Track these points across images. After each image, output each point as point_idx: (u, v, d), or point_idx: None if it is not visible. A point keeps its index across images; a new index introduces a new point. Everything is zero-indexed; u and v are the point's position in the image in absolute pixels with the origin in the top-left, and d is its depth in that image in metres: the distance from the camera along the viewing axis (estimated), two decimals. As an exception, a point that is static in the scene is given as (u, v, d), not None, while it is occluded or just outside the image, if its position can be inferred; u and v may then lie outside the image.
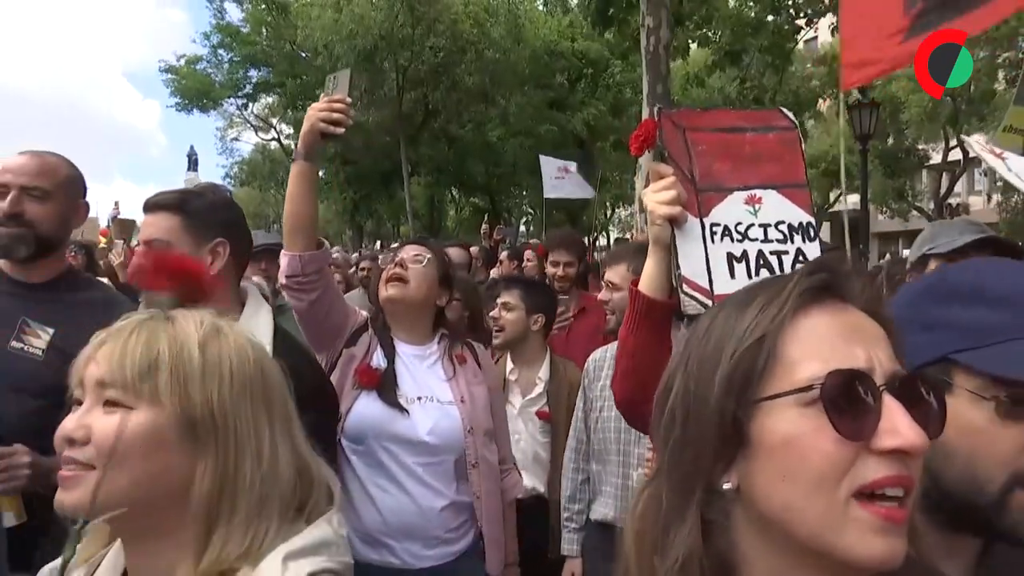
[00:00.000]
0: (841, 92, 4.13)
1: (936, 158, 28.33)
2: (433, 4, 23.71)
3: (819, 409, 0.74)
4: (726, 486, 0.80)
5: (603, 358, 2.93)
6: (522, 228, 34.86)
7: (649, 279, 1.58)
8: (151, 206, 1.89)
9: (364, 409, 2.33)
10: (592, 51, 26.52)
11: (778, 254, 1.59)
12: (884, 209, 30.47)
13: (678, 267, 1.54)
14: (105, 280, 4.43)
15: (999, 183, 26.49)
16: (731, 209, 1.59)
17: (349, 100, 2.24)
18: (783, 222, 1.61)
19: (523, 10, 27.37)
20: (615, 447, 2.84)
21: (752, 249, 1.58)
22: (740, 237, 1.58)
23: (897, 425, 0.73)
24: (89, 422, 1.03)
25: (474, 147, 28.74)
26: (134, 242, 5.40)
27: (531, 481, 3.21)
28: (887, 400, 0.75)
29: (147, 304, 1.88)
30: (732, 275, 1.55)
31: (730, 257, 1.56)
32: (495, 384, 2.65)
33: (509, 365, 3.43)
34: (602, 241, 32.30)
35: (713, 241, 1.56)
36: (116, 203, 10.85)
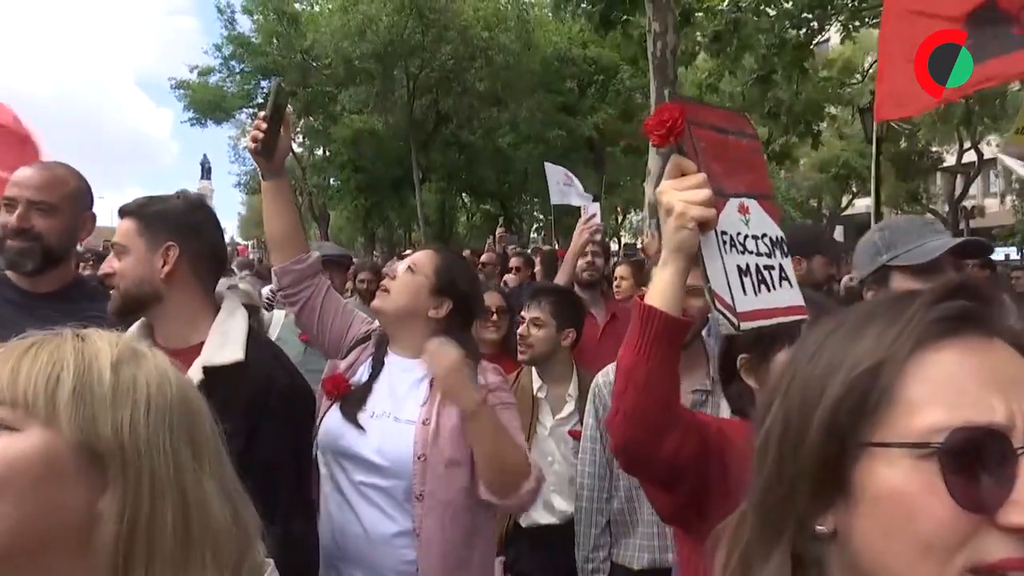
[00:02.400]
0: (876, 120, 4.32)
1: (950, 160, 28.13)
2: (443, 11, 23.80)
3: (937, 466, 0.62)
4: (821, 529, 0.71)
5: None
6: (533, 234, 34.88)
7: (664, 293, 1.36)
8: (120, 212, 1.94)
9: (327, 421, 2.21)
10: (603, 57, 26.52)
11: (768, 268, 1.47)
12: (897, 212, 30.28)
13: (707, 280, 1.35)
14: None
15: (1015, 185, 26.26)
16: (731, 217, 1.45)
17: (263, 114, 2.20)
18: (766, 235, 1.50)
19: (533, 16, 27.42)
20: None
21: (752, 262, 1.44)
22: (742, 248, 1.44)
23: None
24: None
25: (485, 153, 28.78)
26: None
27: (566, 504, 2.98)
28: None
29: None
30: (744, 290, 1.40)
31: (739, 270, 1.41)
32: (499, 404, 2.25)
33: (536, 382, 3.18)
34: (613, 246, 32.28)
35: (726, 251, 1.40)
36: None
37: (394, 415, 2.16)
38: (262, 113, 2.21)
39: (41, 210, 2.16)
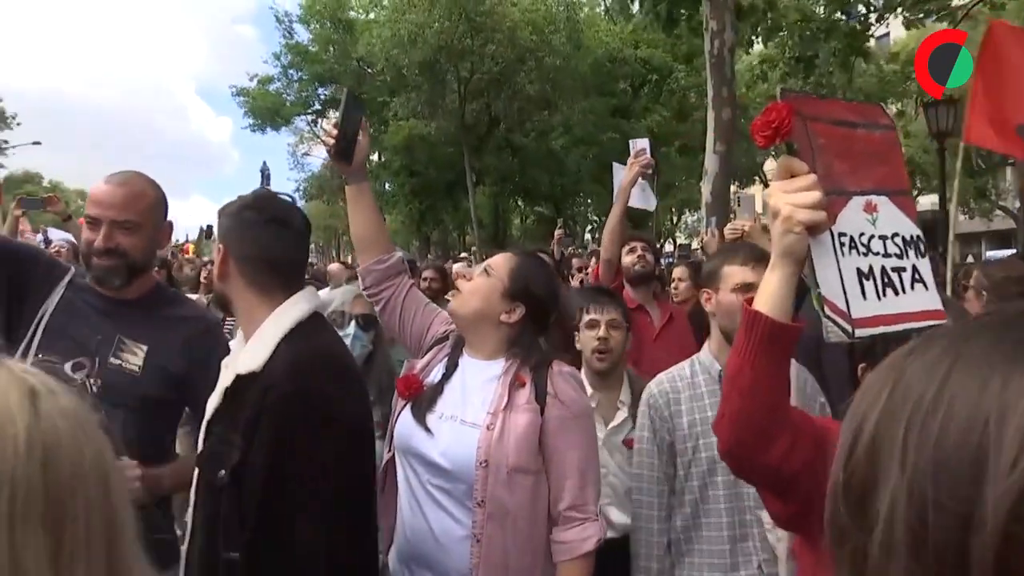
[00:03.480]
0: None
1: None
2: (489, 14, 23.91)
3: None
4: None
5: (675, 387, 2.48)
6: (587, 236, 34.74)
7: (772, 298, 1.31)
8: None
9: (400, 421, 2.21)
10: (655, 57, 26.31)
11: (898, 271, 1.39)
12: (965, 209, 29.24)
13: (818, 285, 1.30)
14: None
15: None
16: (853, 217, 1.37)
17: (333, 121, 2.32)
18: (897, 234, 1.42)
19: (582, 17, 27.35)
20: (725, 505, 2.37)
21: (876, 264, 1.36)
22: (864, 250, 1.36)
23: None
24: None
25: (538, 156, 28.81)
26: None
27: (622, 518, 2.79)
28: None
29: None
30: (864, 295, 1.33)
31: (859, 273, 1.34)
32: (568, 416, 2.11)
33: (587, 389, 2.83)
34: (668, 247, 31.92)
35: (843, 254, 1.33)
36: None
37: (460, 418, 2.12)
38: (334, 120, 2.30)
39: (125, 229, 2.17)
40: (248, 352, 1.81)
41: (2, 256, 2.18)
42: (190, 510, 1.76)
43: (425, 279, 5.74)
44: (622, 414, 2.92)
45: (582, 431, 2.13)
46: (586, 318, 2.98)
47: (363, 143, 2.34)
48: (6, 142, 31.14)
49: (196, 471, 1.78)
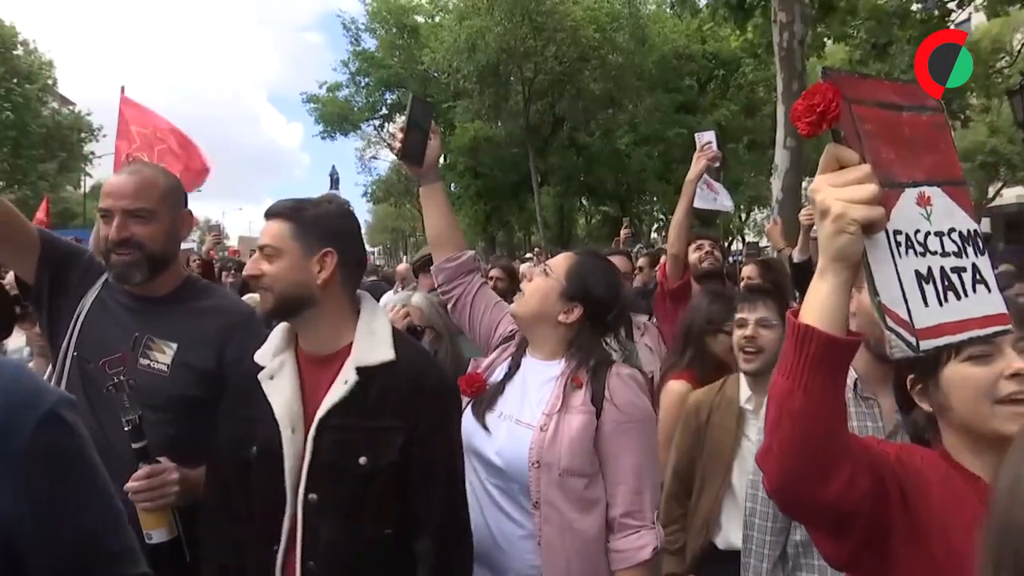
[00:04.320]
0: None
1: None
2: (552, 13, 23.89)
3: None
4: None
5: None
6: (654, 235, 34.38)
7: (822, 309, 1.14)
8: (269, 213, 1.89)
9: (464, 419, 2.19)
10: (723, 52, 25.88)
11: (958, 271, 1.22)
12: (1055, 202, 27.83)
13: (876, 292, 1.13)
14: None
15: None
16: (907, 212, 1.20)
17: (400, 125, 2.36)
18: (954, 229, 1.25)
19: (647, 13, 27.09)
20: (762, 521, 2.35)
21: (935, 265, 1.19)
22: (921, 249, 1.19)
23: None
24: None
25: (602, 155, 28.67)
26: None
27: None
28: None
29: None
30: (925, 301, 1.16)
31: (918, 276, 1.17)
32: (623, 419, 2.07)
33: (745, 392, 2.77)
34: (736, 245, 31.34)
35: (900, 255, 1.16)
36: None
37: (516, 417, 2.12)
38: (401, 124, 2.35)
39: (139, 217, 2.10)
40: (365, 345, 1.84)
41: (45, 254, 2.17)
42: (301, 498, 1.75)
43: (491, 278, 5.73)
44: None
45: (639, 436, 2.08)
46: (736, 317, 2.87)
47: (433, 144, 2.37)
48: (92, 153, 32.60)
49: (308, 462, 1.76)
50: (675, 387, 3.16)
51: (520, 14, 23.55)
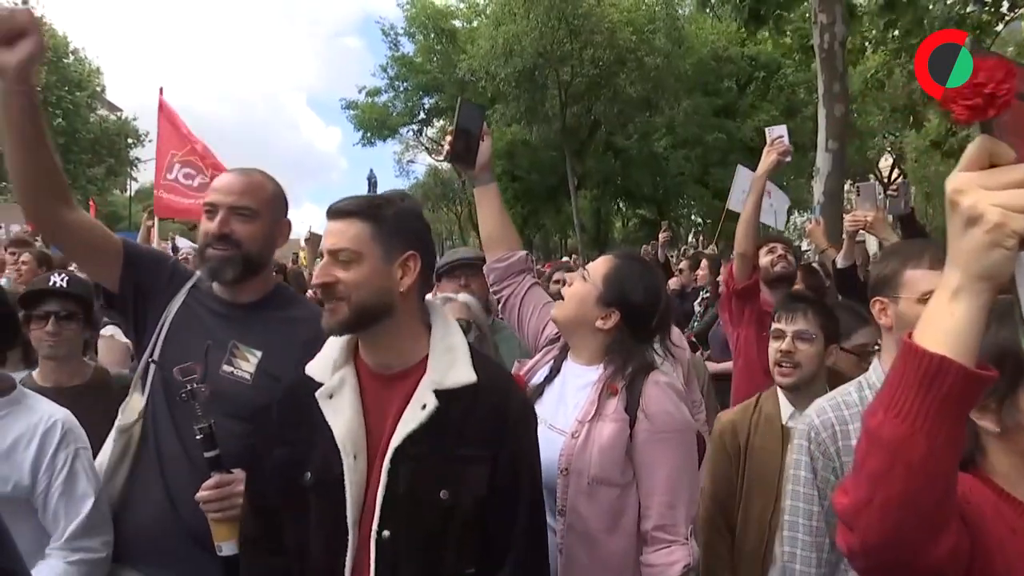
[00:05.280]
0: None
1: None
2: (588, 16, 23.84)
3: None
4: None
5: (841, 417, 2.00)
6: (691, 238, 34.11)
7: (959, 337, 0.94)
8: (338, 212, 1.66)
9: None
10: (762, 54, 25.60)
11: None
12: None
13: None
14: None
15: None
16: None
17: (450, 129, 2.35)
18: None
19: (684, 15, 26.92)
20: None
21: None
22: None
23: None
24: None
25: (640, 158, 28.54)
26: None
27: None
28: None
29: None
30: None
31: None
32: (656, 429, 1.98)
33: (786, 408, 2.59)
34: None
35: None
36: (310, 227, 11.64)
37: (550, 422, 2.06)
38: (449, 127, 2.37)
39: (242, 215, 2.09)
40: (443, 363, 1.65)
41: (132, 261, 2.17)
42: (373, 535, 1.56)
43: (557, 281, 5.79)
44: None
45: (675, 447, 1.98)
46: (773, 327, 2.67)
47: (485, 146, 2.38)
48: (138, 158, 33.41)
49: (382, 495, 1.56)
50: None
51: (556, 17, 23.57)
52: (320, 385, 1.67)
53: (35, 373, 2.79)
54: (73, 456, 2.07)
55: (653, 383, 2.02)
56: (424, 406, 1.59)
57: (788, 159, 3.86)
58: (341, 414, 1.62)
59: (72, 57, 30.25)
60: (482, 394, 1.64)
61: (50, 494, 2.03)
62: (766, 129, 3.97)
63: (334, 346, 1.73)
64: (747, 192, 3.93)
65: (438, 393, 1.60)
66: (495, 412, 1.64)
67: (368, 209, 1.65)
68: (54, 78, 27.99)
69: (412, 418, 1.59)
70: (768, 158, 3.79)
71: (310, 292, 4.88)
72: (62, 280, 2.75)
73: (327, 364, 1.70)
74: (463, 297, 3.07)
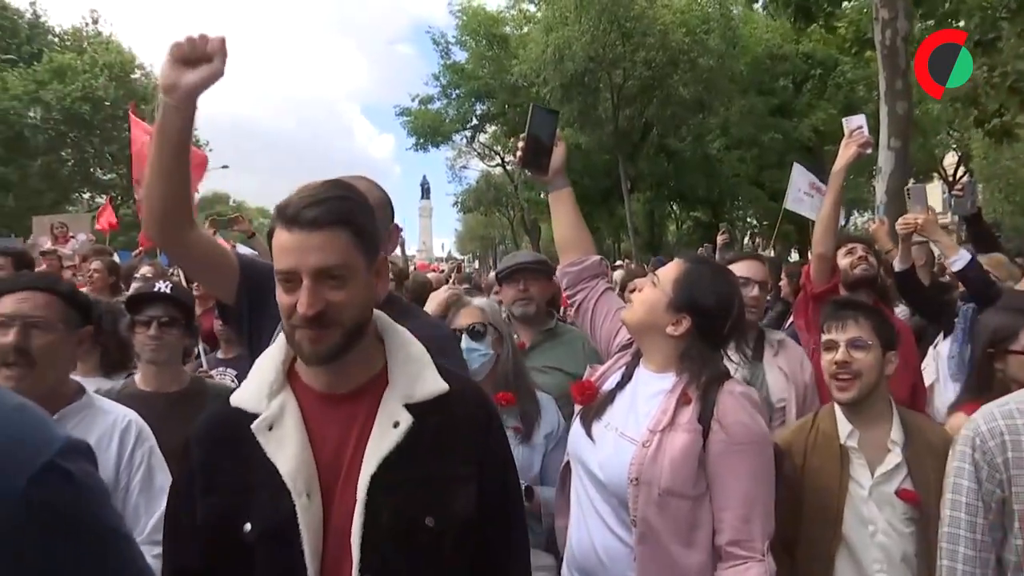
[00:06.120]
0: None
1: None
2: (640, 18, 23.66)
3: None
4: None
5: (1013, 427, 1.85)
6: (747, 240, 33.56)
7: None
8: (314, 222, 1.33)
9: (573, 427, 2.17)
10: (818, 51, 25.07)
11: None
12: None
13: None
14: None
15: None
16: None
17: (522, 136, 2.39)
18: None
19: (738, 14, 26.51)
20: None
21: None
22: None
23: None
24: None
25: (694, 160, 28.23)
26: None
27: None
28: None
29: None
30: None
31: None
32: (731, 441, 1.91)
33: (844, 426, 2.41)
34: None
35: None
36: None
37: (622, 430, 2.02)
38: (522, 134, 2.42)
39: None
40: (408, 374, 1.47)
41: (245, 278, 2.14)
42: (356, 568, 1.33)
43: (632, 290, 5.72)
44: (894, 457, 2.32)
45: (751, 459, 1.92)
46: (823, 338, 2.50)
47: (558, 151, 2.41)
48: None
49: (359, 534, 1.33)
50: (955, 423, 2.46)
51: (608, 21, 23.46)
52: (254, 417, 1.40)
53: (136, 377, 2.88)
54: (149, 453, 2.19)
55: (728, 392, 1.96)
56: (396, 424, 1.39)
57: (868, 151, 3.67)
58: (286, 447, 1.36)
59: (139, 72, 31.33)
60: (454, 403, 1.46)
61: (131, 490, 2.14)
62: (843, 120, 3.77)
63: (266, 368, 1.47)
64: (802, 190, 3.85)
65: (410, 407, 1.41)
66: (470, 421, 1.48)
67: (347, 214, 1.37)
68: (121, 92, 29.02)
69: (383, 440, 1.37)
70: (847, 150, 3.62)
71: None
72: (166, 286, 2.87)
73: (261, 390, 1.43)
74: (479, 301, 3.02)
